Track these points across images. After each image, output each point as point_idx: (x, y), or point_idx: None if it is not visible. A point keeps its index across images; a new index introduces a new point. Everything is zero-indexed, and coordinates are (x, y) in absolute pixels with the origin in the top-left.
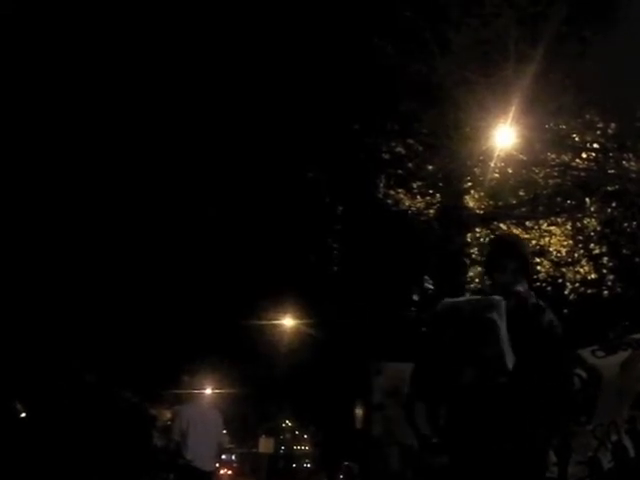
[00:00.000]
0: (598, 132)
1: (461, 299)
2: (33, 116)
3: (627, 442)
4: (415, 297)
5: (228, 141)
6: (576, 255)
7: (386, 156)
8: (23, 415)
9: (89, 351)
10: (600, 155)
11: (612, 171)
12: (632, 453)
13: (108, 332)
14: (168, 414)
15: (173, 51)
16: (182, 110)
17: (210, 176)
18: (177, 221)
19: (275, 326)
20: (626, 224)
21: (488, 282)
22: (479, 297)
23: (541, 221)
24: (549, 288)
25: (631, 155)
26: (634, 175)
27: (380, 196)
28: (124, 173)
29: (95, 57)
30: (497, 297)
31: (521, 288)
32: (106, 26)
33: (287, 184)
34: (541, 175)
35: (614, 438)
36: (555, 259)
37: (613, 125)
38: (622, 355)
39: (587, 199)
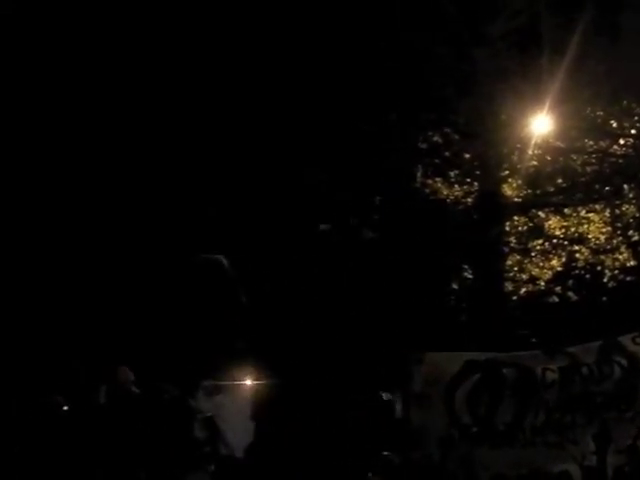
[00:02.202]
0: (635, 118)
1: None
2: (33, 115)
3: None
4: (454, 286)
5: (259, 133)
6: (615, 242)
7: (423, 145)
8: (65, 408)
9: (127, 343)
10: (638, 141)
11: None
12: None
13: (145, 322)
14: (207, 405)
15: (174, 50)
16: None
17: (240, 166)
18: (202, 211)
19: None
20: None
21: None
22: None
23: (579, 208)
24: (588, 276)
25: None
26: None
27: (418, 185)
28: (129, 171)
29: (95, 56)
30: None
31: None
32: (106, 26)
33: (324, 176)
34: (579, 162)
35: None
36: (594, 246)
37: None
38: None
39: (625, 185)
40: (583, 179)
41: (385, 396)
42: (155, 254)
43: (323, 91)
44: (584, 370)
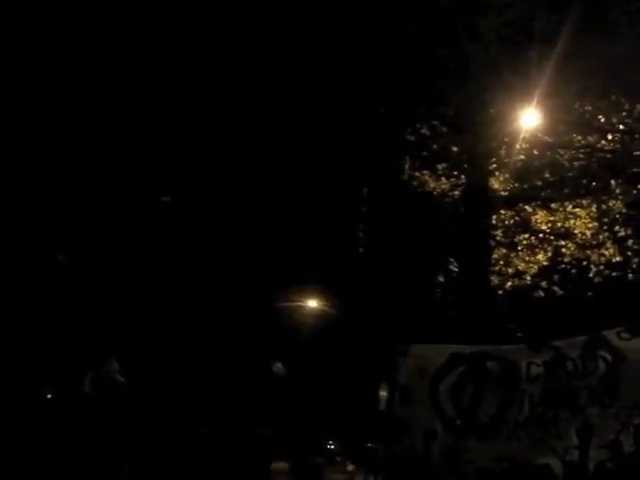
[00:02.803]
0: (624, 113)
1: None
2: (33, 115)
3: None
4: (440, 278)
5: (252, 128)
6: (601, 237)
7: (411, 138)
8: (48, 397)
9: (112, 336)
10: (626, 136)
11: (638, 153)
12: None
13: (132, 316)
14: None
15: (174, 50)
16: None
17: (233, 159)
18: (200, 210)
19: (301, 308)
20: None
21: None
22: None
23: (566, 203)
24: (574, 270)
25: None
26: None
27: (405, 178)
28: (131, 168)
29: (95, 55)
30: None
31: None
32: (106, 25)
33: (313, 166)
34: (566, 157)
35: (637, 421)
36: (580, 241)
37: (639, 106)
38: None
39: (612, 181)
40: (570, 174)
41: (276, 368)
42: (148, 250)
43: (315, 84)
44: (569, 364)
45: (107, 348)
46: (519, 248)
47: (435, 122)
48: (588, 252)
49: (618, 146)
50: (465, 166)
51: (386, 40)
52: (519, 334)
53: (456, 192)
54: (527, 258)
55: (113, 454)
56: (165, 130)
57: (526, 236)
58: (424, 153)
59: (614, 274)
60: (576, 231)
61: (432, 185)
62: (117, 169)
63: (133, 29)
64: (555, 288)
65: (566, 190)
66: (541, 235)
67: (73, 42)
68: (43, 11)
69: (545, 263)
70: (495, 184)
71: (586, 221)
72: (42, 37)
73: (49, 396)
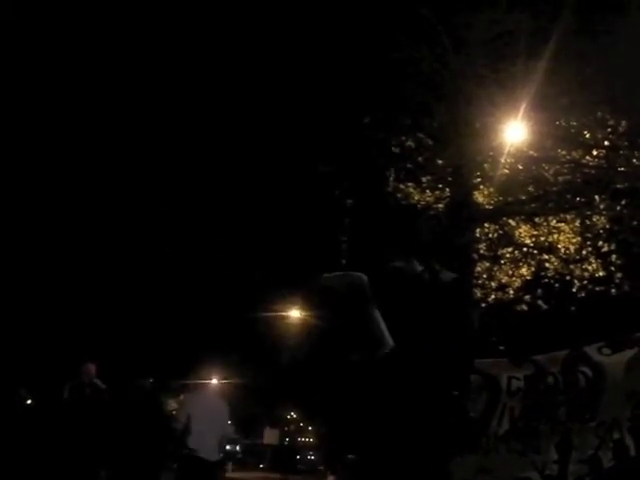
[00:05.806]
0: (609, 129)
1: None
2: (33, 117)
3: (629, 441)
4: None
5: (235, 136)
6: (584, 252)
7: (396, 150)
8: (29, 402)
9: (99, 339)
10: (610, 152)
11: (622, 169)
12: (633, 452)
13: (118, 319)
14: (174, 404)
15: (175, 51)
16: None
17: (217, 170)
18: (183, 214)
19: (282, 318)
20: (635, 222)
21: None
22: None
23: (550, 218)
24: (557, 285)
25: None
26: None
27: (389, 190)
28: (129, 169)
29: (95, 58)
30: (360, 274)
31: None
32: (106, 26)
33: (296, 177)
34: (551, 172)
35: (616, 437)
36: (563, 256)
37: (624, 123)
38: (628, 353)
39: (597, 196)
40: (555, 189)
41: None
42: (165, 246)
43: (300, 93)
44: (549, 379)
45: (85, 352)
46: (502, 262)
47: (420, 134)
48: (572, 267)
49: (603, 162)
50: (450, 179)
51: (368, 48)
52: (501, 347)
53: (440, 205)
54: (510, 272)
55: (91, 460)
56: (165, 129)
57: (509, 250)
58: (409, 165)
59: (597, 289)
60: (560, 246)
61: (416, 197)
62: (113, 167)
63: (133, 30)
64: (539, 302)
65: (550, 205)
66: (525, 249)
67: (73, 44)
68: (42, 14)
69: (528, 277)
70: (479, 197)
71: (570, 236)
72: (43, 40)
73: (29, 402)
